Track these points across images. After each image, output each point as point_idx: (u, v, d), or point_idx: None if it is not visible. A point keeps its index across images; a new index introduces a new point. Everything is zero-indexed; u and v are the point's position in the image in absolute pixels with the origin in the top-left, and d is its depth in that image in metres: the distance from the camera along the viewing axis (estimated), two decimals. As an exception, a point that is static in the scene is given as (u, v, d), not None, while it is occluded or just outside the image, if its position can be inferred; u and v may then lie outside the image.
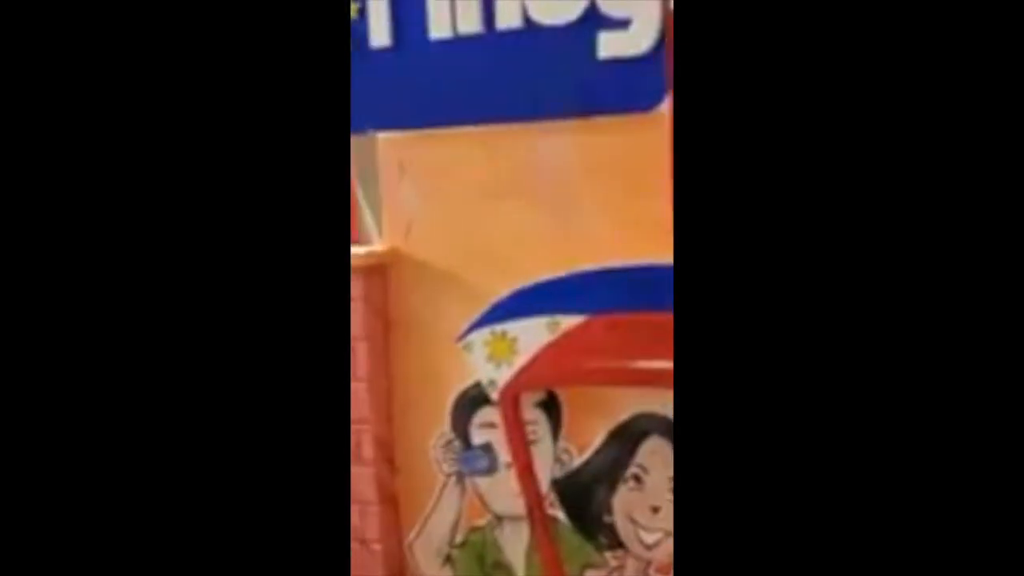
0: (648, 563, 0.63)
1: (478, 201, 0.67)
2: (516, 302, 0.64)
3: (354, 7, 0.68)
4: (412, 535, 0.72)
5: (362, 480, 0.73)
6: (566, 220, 0.64)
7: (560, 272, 0.63)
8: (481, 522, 0.69)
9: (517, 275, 0.65)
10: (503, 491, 0.68)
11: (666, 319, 0.58)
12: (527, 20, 0.63)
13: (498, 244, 0.66)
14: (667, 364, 0.57)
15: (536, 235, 0.64)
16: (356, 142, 0.61)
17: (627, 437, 0.62)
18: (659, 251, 0.57)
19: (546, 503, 0.66)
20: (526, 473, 0.65)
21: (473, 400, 0.68)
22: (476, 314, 0.66)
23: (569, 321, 0.62)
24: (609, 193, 0.62)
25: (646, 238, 0.59)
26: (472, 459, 0.70)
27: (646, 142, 0.59)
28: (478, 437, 0.69)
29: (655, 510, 0.62)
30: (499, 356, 0.66)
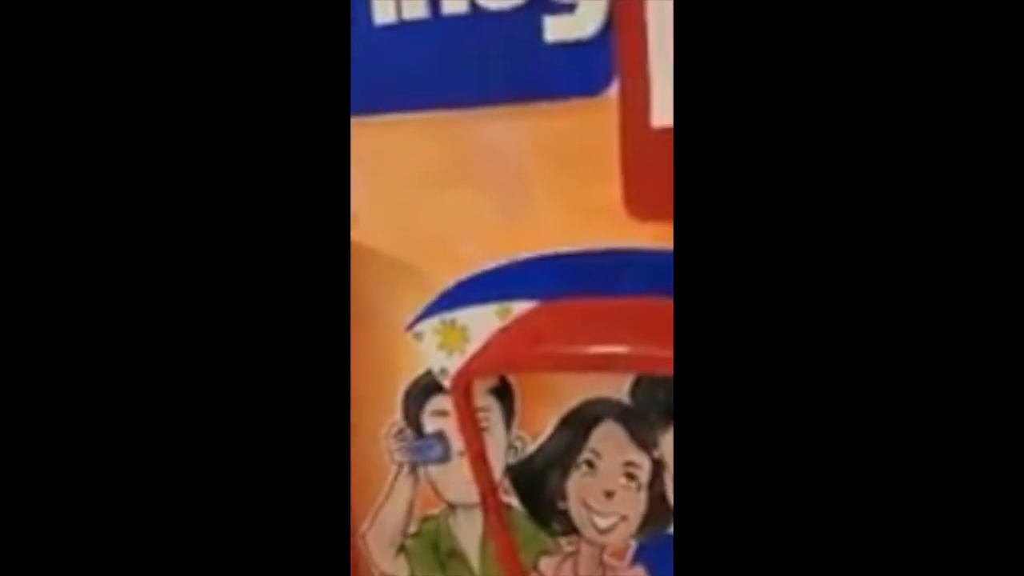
0: (602, 548, 0.62)
1: (426, 188, 0.65)
2: (465, 290, 0.63)
3: (297, -8, 0.67)
4: (365, 526, 0.71)
5: (313, 472, 0.72)
6: (514, 206, 0.62)
7: (509, 259, 0.62)
8: (435, 511, 0.69)
9: (466, 263, 0.63)
10: (456, 479, 0.67)
11: (618, 304, 0.57)
12: (473, 4, 0.62)
13: (447, 231, 0.63)
14: (619, 349, 0.57)
15: (484, 222, 0.62)
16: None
17: (579, 422, 0.62)
18: (609, 236, 0.56)
19: (500, 490, 0.65)
20: (479, 461, 0.64)
21: (425, 389, 0.67)
22: (426, 303, 0.66)
23: (519, 308, 0.61)
24: (557, 178, 0.60)
25: (596, 223, 0.57)
26: (425, 448, 0.69)
27: (594, 126, 0.57)
28: (430, 425, 0.68)
29: (608, 495, 0.61)
30: (450, 344, 0.65)
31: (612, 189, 0.56)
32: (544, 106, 0.60)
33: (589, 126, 0.58)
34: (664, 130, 0.52)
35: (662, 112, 0.53)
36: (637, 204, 0.55)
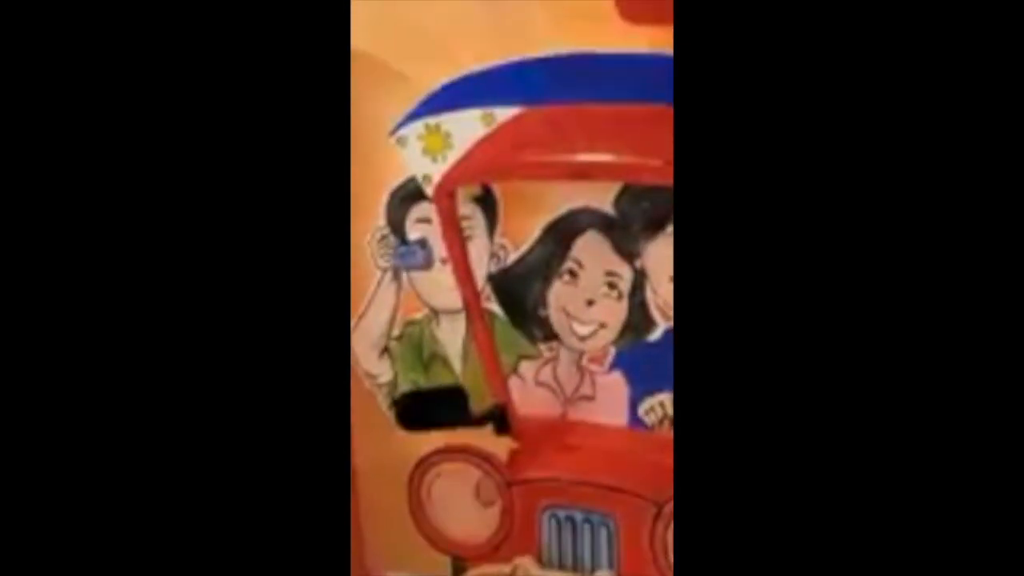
0: (581, 354, 0.62)
1: (410, -14, 0.62)
2: (449, 94, 0.60)
3: None
4: (349, 328, 0.71)
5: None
6: (500, 5, 0.59)
7: (495, 61, 0.59)
8: (417, 316, 0.68)
9: (451, 65, 0.60)
10: (439, 286, 0.66)
11: (605, 110, 0.55)
12: None
13: (432, 32, 0.60)
14: (605, 157, 0.55)
15: (471, 22, 0.59)
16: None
17: (563, 232, 0.60)
18: (598, 38, 0.54)
19: (482, 297, 0.65)
20: (462, 268, 0.63)
21: (408, 195, 0.65)
22: (410, 106, 0.63)
23: (504, 113, 0.58)
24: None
25: (584, 24, 0.54)
26: (408, 254, 0.68)
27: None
28: (414, 232, 0.67)
29: (589, 303, 0.61)
30: (433, 150, 0.63)
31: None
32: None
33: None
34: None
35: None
36: (629, 6, 0.52)
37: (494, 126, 0.60)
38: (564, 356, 0.63)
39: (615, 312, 0.60)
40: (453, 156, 0.62)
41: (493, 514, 0.61)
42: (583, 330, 0.62)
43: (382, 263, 0.71)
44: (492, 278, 0.64)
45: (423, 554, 0.64)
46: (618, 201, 0.58)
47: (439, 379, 0.71)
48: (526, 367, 0.65)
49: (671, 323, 0.59)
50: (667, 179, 0.50)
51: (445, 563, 0.64)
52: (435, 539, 0.63)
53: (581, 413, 0.62)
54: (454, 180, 0.61)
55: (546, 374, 0.64)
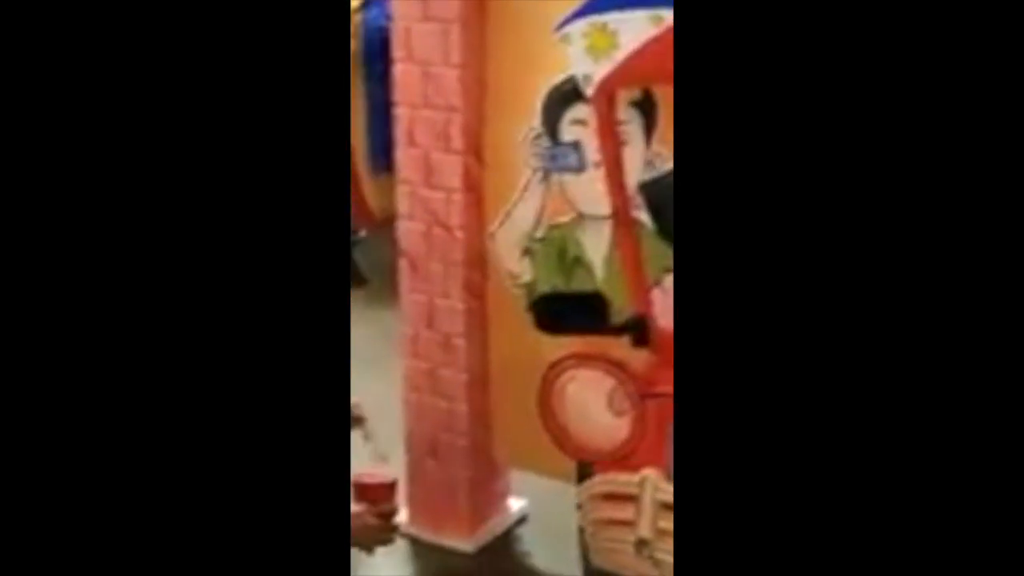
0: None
1: None
2: (619, -8, 0.58)
3: None
4: (495, 225, 0.70)
5: (447, 168, 0.70)
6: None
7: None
8: (564, 219, 0.67)
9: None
10: (589, 190, 0.65)
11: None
12: None
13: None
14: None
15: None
16: None
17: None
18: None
19: (632, 205, 0.63)
20: (614, 174, 0.61)
21: (566, 95, 0.64)
22: (576, 3, 0.61)
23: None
24: None
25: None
26: (560, 156, 0.66)
27: None
28: (568, 134, 0.65)
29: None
30: (598, 50, 0.61)
31: None
32: None
33: None
34: None
35: None
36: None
37: (663, 27, 0.57)
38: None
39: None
40: (618, 57, 0.60)
41: (624, 424, 0.60)
42: (733, 248, 0.59)
43: (533, 163, 0.69)
44: (644, 187, 0.62)
45: (550, 455, 0.64)
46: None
47: (580, 284, 0.70)
48: (670, 281, 0.63)
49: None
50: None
51: (571, 467, 0.64)
52: (563, 442, 0.63)
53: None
54: (616, 81, 0.59)
55: (690, 289, 0.62)
